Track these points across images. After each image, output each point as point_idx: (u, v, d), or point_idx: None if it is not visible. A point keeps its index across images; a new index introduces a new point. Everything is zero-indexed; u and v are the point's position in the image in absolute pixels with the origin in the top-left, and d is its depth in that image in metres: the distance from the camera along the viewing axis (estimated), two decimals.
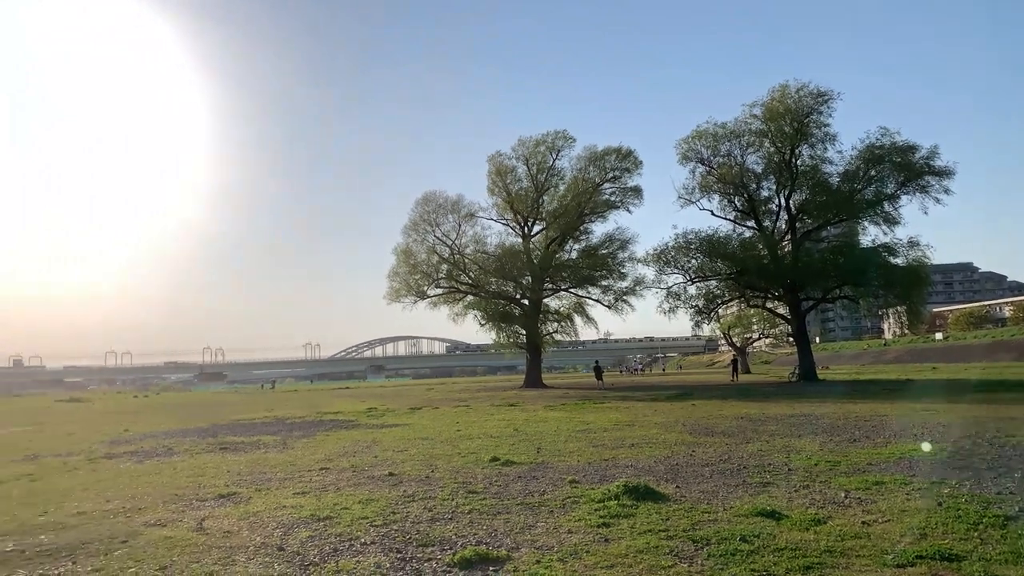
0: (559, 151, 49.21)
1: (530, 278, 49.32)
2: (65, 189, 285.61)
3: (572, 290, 51.55)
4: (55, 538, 7.14)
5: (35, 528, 7.71)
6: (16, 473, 13.19)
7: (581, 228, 49.89)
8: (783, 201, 40.83)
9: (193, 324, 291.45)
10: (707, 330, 58.25)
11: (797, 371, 41.87)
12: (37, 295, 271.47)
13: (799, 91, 38.49)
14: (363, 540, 6.46)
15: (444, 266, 50.26)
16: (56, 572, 5.91)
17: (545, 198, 50.16)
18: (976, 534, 5.90)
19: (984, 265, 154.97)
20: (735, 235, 42.11)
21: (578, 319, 51.71)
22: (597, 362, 50.01)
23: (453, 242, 50.00)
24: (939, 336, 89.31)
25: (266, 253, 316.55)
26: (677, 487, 8.62)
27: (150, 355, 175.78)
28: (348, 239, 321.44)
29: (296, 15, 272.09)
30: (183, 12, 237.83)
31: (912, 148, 37.11)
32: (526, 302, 50.20)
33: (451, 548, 6.07)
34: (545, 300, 51.36)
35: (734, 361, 50.67)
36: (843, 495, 7.74)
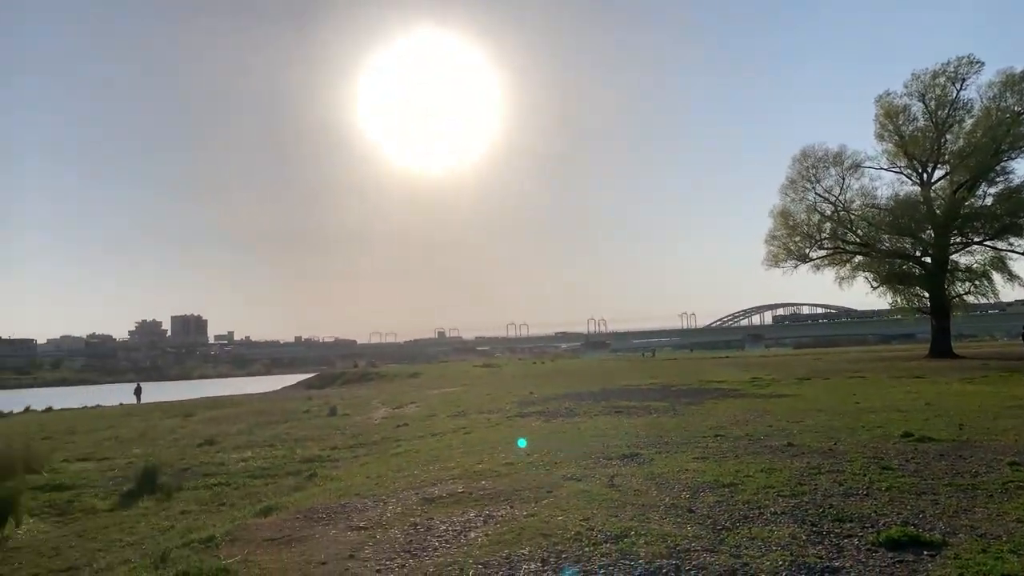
0: (964, 81, 42.18)
1: (932, 232, 43.39)
2: None
3: (988, 243, 44.07)
4: (493, 484, 8.26)
5: (476, 474, 9.02)
6: (453, 426, 15.61)
7: (997, 168, 42.19)
8: None
9: (581, 296, 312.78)
10: None
11: None
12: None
13: None
14: (772, 509, 6.35)
15: (827, 225, 46.66)
16: (499, 513, 6.83)
17: (948, 137, 43.43)
18: None
19: None
20: None
21: (997, 277, 44.10)
22: None
23: (836, 198, 46.10)
24: None
25: (641, 227, 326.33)
26: None
27: (543, 326, 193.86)
28: (717, 206, 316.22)
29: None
30: None
31: None
32: (928, 260, 44.33)
33: (872, 526, 5.66)
34: (952, 256, 44.71)
35: None
36: None
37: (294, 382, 59.19)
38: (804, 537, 5.48)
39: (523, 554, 5.41)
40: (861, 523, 5.78)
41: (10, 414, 33.83)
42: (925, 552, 4.99)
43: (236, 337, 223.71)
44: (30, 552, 8.27)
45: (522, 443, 11.36)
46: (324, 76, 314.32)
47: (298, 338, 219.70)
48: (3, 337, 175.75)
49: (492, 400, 21.69)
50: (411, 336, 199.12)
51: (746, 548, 5.27)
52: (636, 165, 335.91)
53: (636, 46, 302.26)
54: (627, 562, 5.08)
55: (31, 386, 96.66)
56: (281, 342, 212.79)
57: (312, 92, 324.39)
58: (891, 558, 4.93)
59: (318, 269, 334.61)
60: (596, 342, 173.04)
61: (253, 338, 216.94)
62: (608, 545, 5.50)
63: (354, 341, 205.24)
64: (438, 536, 6.21)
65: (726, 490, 7.20)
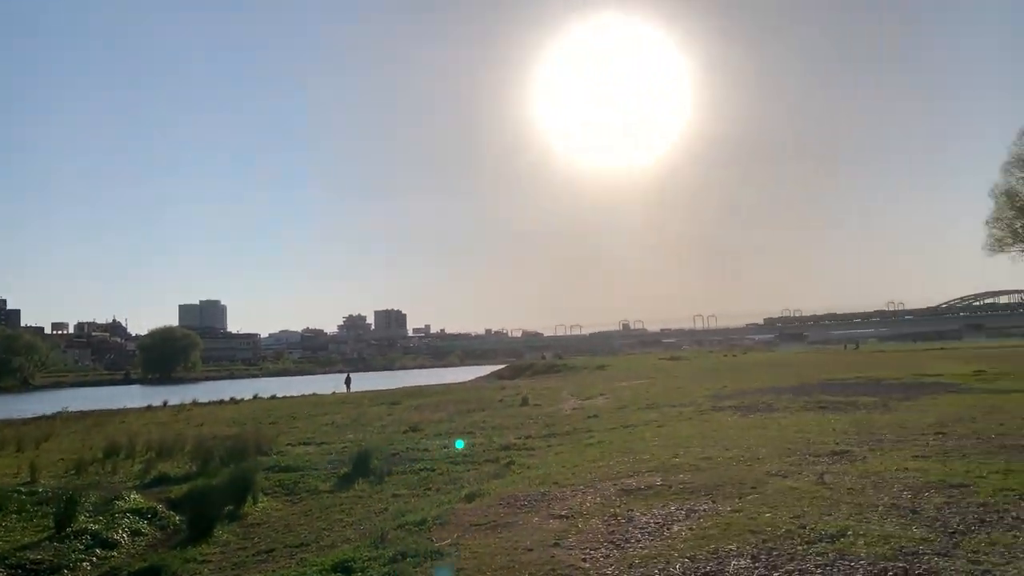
0: None
1: None
2: None
3: None
4: (691, 478, 8.12)
5: (673, 467, 8.89)
6: (644, 419, 15.46)
7: None
8: None
9: (772, 286, 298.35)
10: None
11: None
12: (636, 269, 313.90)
13: None
14: (1014, 514, 5.73)
15: None
16: (701, 508, 6.70)
17: None
18: None
19: None
20: None
21: None
22: None
23: None
24: None
25: (852, 216, 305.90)
26: None
27: (733, 317, 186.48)
28: (929, 186, 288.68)
29: None
30: None
31: None
32: None
33: None
34: None
35: None
36: None
37: (486, 373, 61.27)
38: None
39: (731, 550, 5.28)
40: None
41: (241, 401, 37.79)
42: None
43: (432, 330, 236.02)
44: (267, 528, 9.22)
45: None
46: (503, 73, 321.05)
47: (488, 331, 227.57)
48: (234, 332, 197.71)
49: (683, 393, 21.23)
50: (596, 328, 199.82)
51: (986, 554, 4.81)
52: (839, 155, 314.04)
53: (840, 36, 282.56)
54: (846, 562, 4.82)
55: (256, 376, 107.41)
56: (472, 334, 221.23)
57: (492, 90, 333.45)
58: None
59: (503, 263, 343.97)
60: (792, 333, 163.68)
61: (448, 331, 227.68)
62: (823, 544, 5.24)
63: (540, 333, 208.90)
64: (640, 528, 6.21)
65: (955, 491, 6.60)
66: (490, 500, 8.20)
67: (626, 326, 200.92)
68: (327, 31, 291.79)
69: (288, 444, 15.95)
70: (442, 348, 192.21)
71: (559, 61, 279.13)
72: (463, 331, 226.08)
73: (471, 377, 55.46)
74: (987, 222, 43.83)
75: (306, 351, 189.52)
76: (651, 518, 6.50)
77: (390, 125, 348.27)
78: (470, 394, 29.63)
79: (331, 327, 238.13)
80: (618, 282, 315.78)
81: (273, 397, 38.92)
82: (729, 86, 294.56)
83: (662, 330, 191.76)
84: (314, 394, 39.62)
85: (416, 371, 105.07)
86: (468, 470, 11.59)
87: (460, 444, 13.79)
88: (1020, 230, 42.47)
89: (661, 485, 7.88)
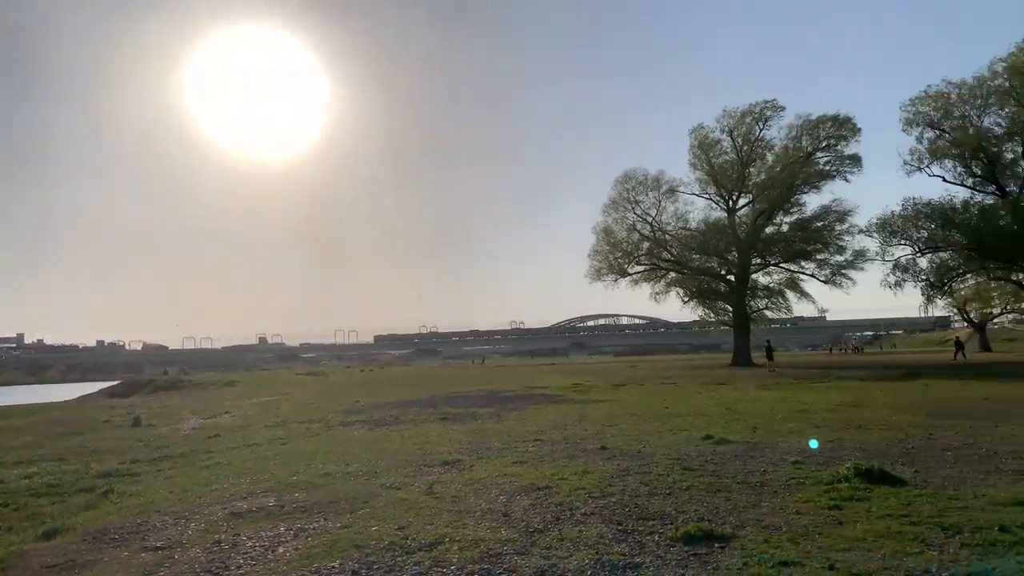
0: (767, 121, 46.51)
1: (736, 253, 47.41)
2: None
3: (783, 265, 48.84)
4: (307, 496, 7.96)
5: (290, 486, 8.64)
6: (269, 437, 14.90)
7: (792, 200, 46.86)
8: None
9: (412, 304, 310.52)
10: (939, 306, 53.06)
11: None
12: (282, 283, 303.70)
13: None
14: (583, 511, 6.58)
15: (645, 243, 49.66)
16: (311, 526, 6.58)
17: (751, 170, 47.74)
18: None
19: None
20: (973, 202, 38.01)
21: (791, 295, 49.02)
22: (768, 341, 45.87)
23: (654, 219, 49.20)
24: None
25: (466, 235, 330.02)
26: (916, 472, 7.92)
27: (373, 332, 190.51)
28: (546, 219, 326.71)
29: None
30: None
31: None
32: (732, 278, 48.35)
33: (672, 523, 6.01)
34: (754, 276, 49.13)
35: (957, 340, 46.54)
36: None
37: (95, 390, 54.32)
38: (610, 536, 5.71)
39: (333, 567, 5.24)
40: (662, 520, 6.12)
41: None
42: (716, 545, 5.35)
43: (28, 340, 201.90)
44: None
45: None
46: (149, 62, 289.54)
47: (100, 342, 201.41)
48: None
49: (315, 409, 21.01)
50: (231, 342, 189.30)
51: (556, 549, 5.42)
52: (468, 171, 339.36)
53: (474, 49, 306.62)
54: (440, 569, 5.06)
55: None
56: (80, 347, 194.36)
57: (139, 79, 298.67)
58: (687, 551, 5.24)
59: (125, 267, 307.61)
60: (427, 349, 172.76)
61: (48, 341, 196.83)
62: (421, 553, 5.45)
63: (165, 347, 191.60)
64: (243, 553, 5.87)
65: (541, 493, 7.39)
66: (74, 536, 7.13)
67: (263, 340, 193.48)
68: None
69: None
70: (40, 361, 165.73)
71: (208, 63, 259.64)
72: (70, 342, 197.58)
73: (76, 395, 48.65)
74: (589, 255, 51.07)
75: None
76: (258, 542, 6.19)
77: None
78: (69, 414, 25.92)
79: None
80: (259, 293, 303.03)
81: None
82: (370, 99, 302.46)
83: (302, 344, 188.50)
84: None
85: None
86: (54, 503, 10.00)
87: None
88: (613, 262, 50.12)
89: (274, 506, 7.59)
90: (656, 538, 5.62)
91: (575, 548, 5.42)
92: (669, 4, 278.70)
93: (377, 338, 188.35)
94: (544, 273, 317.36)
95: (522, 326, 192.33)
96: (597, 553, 5.26)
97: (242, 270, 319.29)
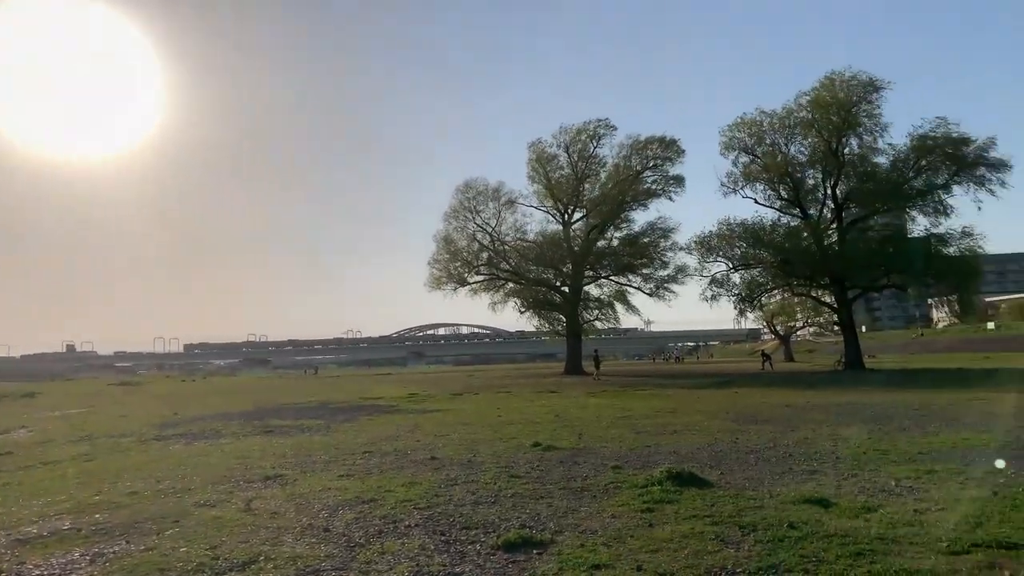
0: (600, 139, 48.87)
1: (570, 265, 49.20)
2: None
3: (613, 278, 51.34)
4: (109, 517, 7.33)
5: (90, 507, 7.92)
6: (72, 454, 13.60)
7: (622, 216, 49.48)
8: (829, 190, 40.38)
9: (242, 311, 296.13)
10: (750, 319, 57.66)
11: (843, 360, 41.24)
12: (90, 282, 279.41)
13: (849, 81, 37.86)
14: (407, 523, 6.51)
15: (484, 253, 50.45)
16: (111, 550, 6.05)
17: (586, 186, 49.88)
18: None
19: None
20: (780, 224, 41.66)
21: (619, 307, 51.61)
22: (596, 351, 48.18)
23: (493, 229, 50.17)
24: (991, 325, 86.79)
25: (304, 241, 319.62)
26: (721, 474, 8.52)
27: (196, 339, 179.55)
28: (391, 226, 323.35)
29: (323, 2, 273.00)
30: None
31: (965, 140, 36.17)
32: (566, 289, 50.10)
33: (495, 531, 6.08)
34: (586, 287, 51.22)
35: (763, 352, 51.64)
36: (893, 483, 7.57)
37: None
38: (432, 547, 5.69)
39: None
40: (485, 529, 6.18)
41: None
42: (535, 551, 5.47)
43: None
44: None
45: None
46: None
47: None
48: None
49: (127, 422, 19.43)
50: (32, 350, 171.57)
51: (376, 563, 5.32)
52: (313, 174, 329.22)
53: (322, 47, 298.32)
54: None
55: None
56: None
57: None
58: (506, 559, 5.32)
59: None
60: (256, 359, 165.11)
61: None
62: (234, 573, 5.18)
63: None
64: None
65: (366, 506, 7.24)
66: None
67: (71, 348, 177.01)
68: None
69: None
70: None
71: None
72: None
73: None
74: (429, 263, 51.10)
75: None
76: (46, 570, 5.61)
77: None
78: None
79: None
80: (70, 299, 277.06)
81: None
82: (202, 87, 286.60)
83: (116, 353, 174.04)
84: None
85: None
86: None
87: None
88: (453, 271, 50.42)
89: (70, 529, 6.91)
90: (478, 547, 5.66)
91: (395, 561, 5.36)
92: (518, 27, 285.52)
93: (202, 346, 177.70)
94: (385, 282, 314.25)
95: (359, 335, 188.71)
96: (417, 565, 5.23)
97: (53, 274, 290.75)
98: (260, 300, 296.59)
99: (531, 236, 50.85)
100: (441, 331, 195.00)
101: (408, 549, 5.64)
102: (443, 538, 5.95)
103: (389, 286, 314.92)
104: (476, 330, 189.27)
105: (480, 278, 51.27)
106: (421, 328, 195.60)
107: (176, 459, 11.71)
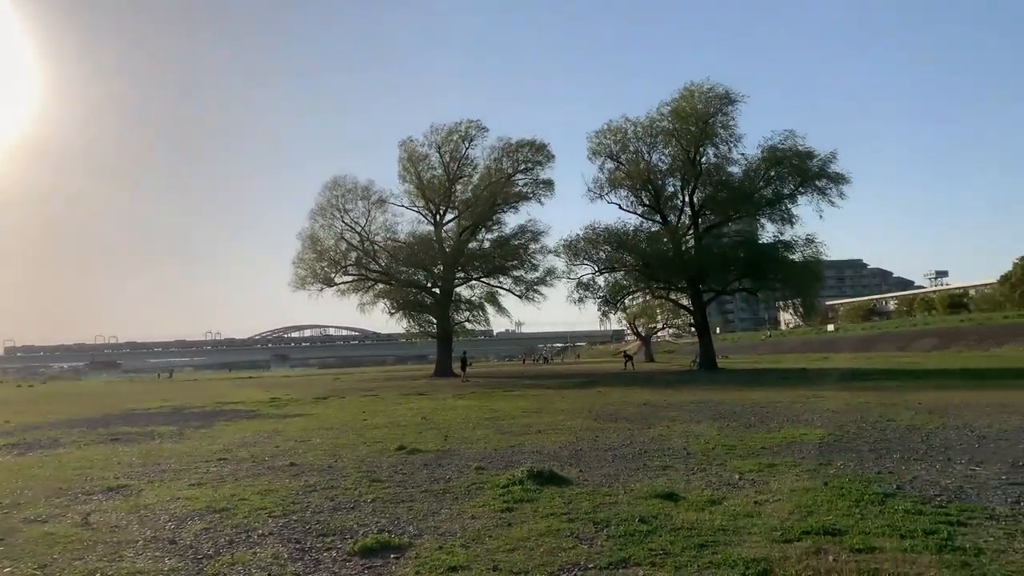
0: (472, 140, 48.97)
1: (442, 267, 49.08)
2: None
3: (484, 279, 51.63)
4: None
5: None
6: None
7: (494, 218, 49.85)
8: (687, 197, 42.37)
9: (84, 311, 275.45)
10: (613, 320, 59.75)
11: (698, 360, 43.46)
12: None
13: (707, 92, 39.79)
14: (260, 531, 6.28)
15: (353, 253, 49.40)
16: None
17: (458, 187, 49.88)
18: (858, 510, 6.23)
19: (872, 262, 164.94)
20: (642, 229, 43.31)
21: (490, 308, 51.89)
22: (465, 352, 48.58)
23: (363, 228, 49.22)
24: (831, 328, 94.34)
25: (158, 238, 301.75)
26: (580, 471, 8.76)
27: (40, 341, 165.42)
28: (254, 224, 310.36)
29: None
30: None
31: (810, 154, 38.94)
32: (437, 291, 49.93)
33: (352, 537, 5.97)
34: (457, 289, 51.21)
35: (625, 353, 53.92)
36: (737, 477, 8.05)
37: None
38: (286, 555, 5.51)
39: None
40: (342, 535, 6.05)
41: None
42: (392, 556, 5.41)
43: None
44: None
45: None
46: None
47: None
48: None
49: None
50: None
51: (225, 575, 5.09)
52: (174, 172, 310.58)
53: (199, 45, 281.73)
54: None
55: None
56: None
57: None
58: (362, 565, 5.23)
59: None
60: (104, 361, 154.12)
61: None
62: None
63: None
64: None
65: (217, 516, 6.92)
66: None
67: None
68: None
69: None
70: None
71: None
72: None
73: None
74: (293, 262, 49.47)
75: None
76: None
77: None
78: None
79: None
80: None
81: None
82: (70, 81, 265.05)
83: None
84: None
85: None
86: None
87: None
88: (319, 271, 49.05)
89: None
90: (334, 554, 5.54)
91: (247, 571, 5.16)
92: (392, 23, 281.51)
93: (26, 348, 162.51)
94: (249, 284, 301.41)
95: (219, 337, 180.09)
96: (270, 575, 5.05)
97: None
98: (112, 302, 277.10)
99: (402, 236, 50.36)
100: (307, 332, 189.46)
101: (260, 559, 5.44)
102: (298, 546, 5.78)
103: (253, 288, 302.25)
104: (344, 332, 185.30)
105: (348, 278, 50.16)
106: (286, 330, 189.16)
107: (5, 472, 10.74)
